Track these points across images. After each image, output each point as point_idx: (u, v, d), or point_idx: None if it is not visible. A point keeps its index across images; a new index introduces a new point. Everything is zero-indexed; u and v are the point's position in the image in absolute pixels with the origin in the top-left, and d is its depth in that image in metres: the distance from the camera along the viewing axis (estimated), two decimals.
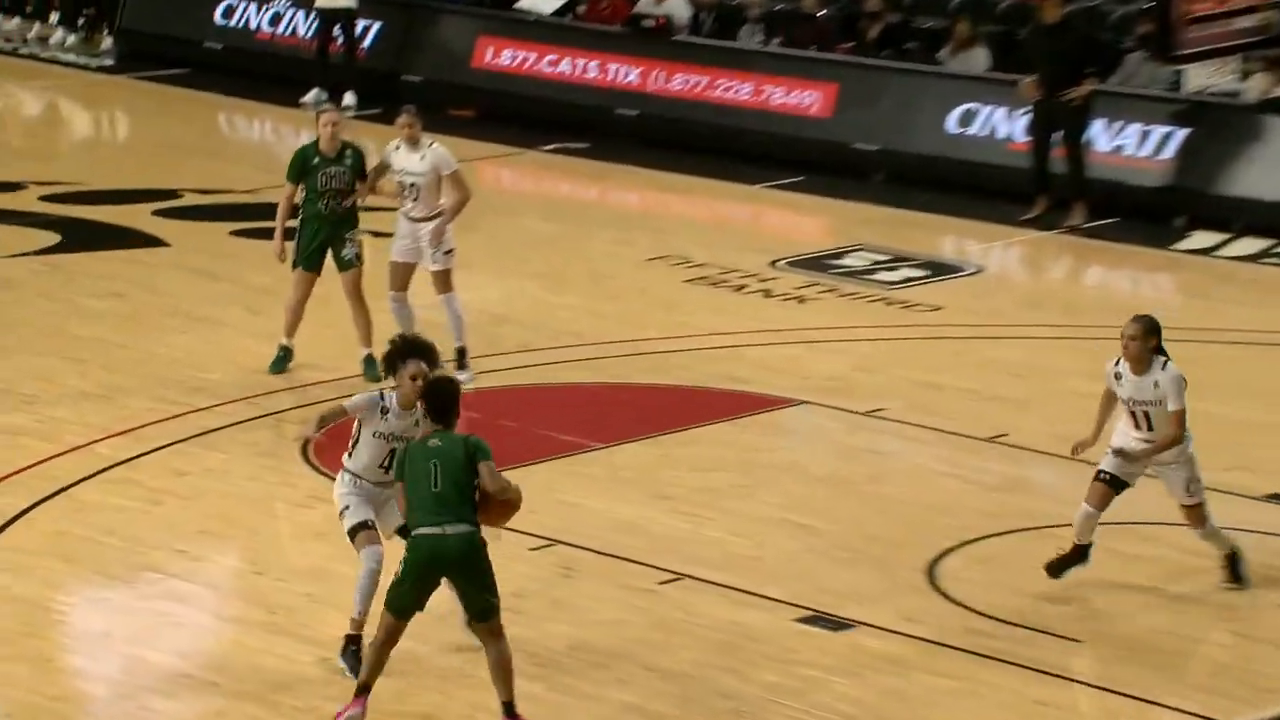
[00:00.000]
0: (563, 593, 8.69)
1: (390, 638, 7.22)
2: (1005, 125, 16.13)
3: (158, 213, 14.82)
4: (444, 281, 11.28)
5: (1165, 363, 8.50)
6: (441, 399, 7.20)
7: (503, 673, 7.23)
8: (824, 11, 17.50)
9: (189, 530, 9.21)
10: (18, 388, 10.99)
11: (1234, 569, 8.76)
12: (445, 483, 7.03)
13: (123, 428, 10.38)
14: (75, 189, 15.44)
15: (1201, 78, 15.72)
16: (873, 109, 16.63)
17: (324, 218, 11.13)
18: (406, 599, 7.15)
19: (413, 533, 7.05)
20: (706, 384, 11.47)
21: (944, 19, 17.19)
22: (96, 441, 10.16)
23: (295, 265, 11.24)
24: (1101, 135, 15.63)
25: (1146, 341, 8.48)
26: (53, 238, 14.13)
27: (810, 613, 8.53)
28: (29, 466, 9.81)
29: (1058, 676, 8.05)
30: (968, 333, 12.56)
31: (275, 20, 19.42)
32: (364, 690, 7.24)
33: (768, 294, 13.39)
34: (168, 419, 10.52)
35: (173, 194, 15.39)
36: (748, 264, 14.00)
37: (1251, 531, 9.17)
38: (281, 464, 9.96)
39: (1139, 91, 15.88)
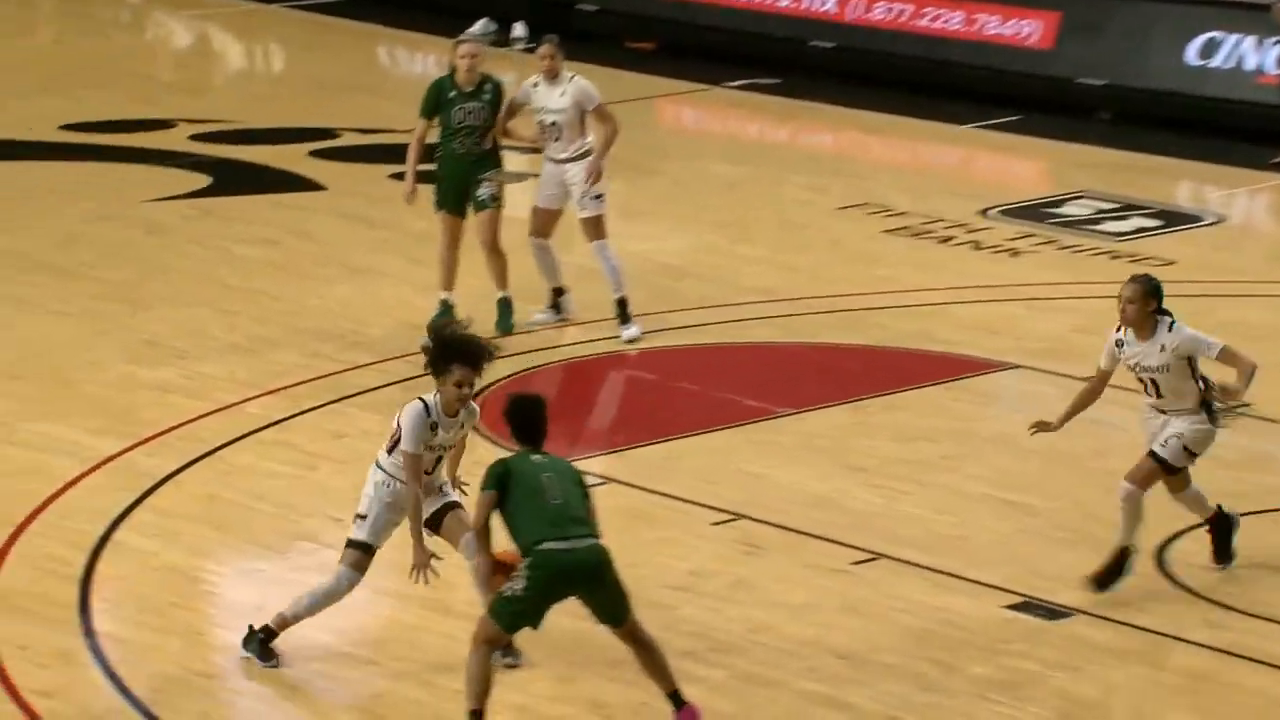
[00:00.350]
0: (746, 572, 8.69)
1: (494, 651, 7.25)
2: (1254, 56, 15.73)
3: (314, 153, 15.09)
4: (594, 228, 11.26)
5: (1172, 324, 8.38)
6: (532, 420, 7.35)
7: (657, 667, 7.27)
8: None
9: (345, 497, 9.34)
10: (167, 340, 11.28)
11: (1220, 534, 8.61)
12: (564, 496, 7.17)
13: (274, 385, 10.60)
14: (227, 127, 15.78)
15: None
16: (1099, 39, 16.32)
17: (460, 157, 11.08)
18: (525, 618, 7.19)
19: (537, 547, 7.12)
20: (907, 345, 11.38)
21: None
22: (247, 400, 10.40)
23: (438, 208, 11.31)
24: None
25: (1146, 304, 8.37)
26: (203, 180, 14.47)
27: (1022, 599, 8.44)
28: (177, 426, 10.07)
29: None
30: (1205, 290, 12.29)
31: None
32: (479, 718, 7.18)
33: (977, 246, 13.23)
34: (322, 376, 10.72)
35: (330, 133, 15.66)
36: (955, 213, 13.85)
37: None
38: None
39: None
